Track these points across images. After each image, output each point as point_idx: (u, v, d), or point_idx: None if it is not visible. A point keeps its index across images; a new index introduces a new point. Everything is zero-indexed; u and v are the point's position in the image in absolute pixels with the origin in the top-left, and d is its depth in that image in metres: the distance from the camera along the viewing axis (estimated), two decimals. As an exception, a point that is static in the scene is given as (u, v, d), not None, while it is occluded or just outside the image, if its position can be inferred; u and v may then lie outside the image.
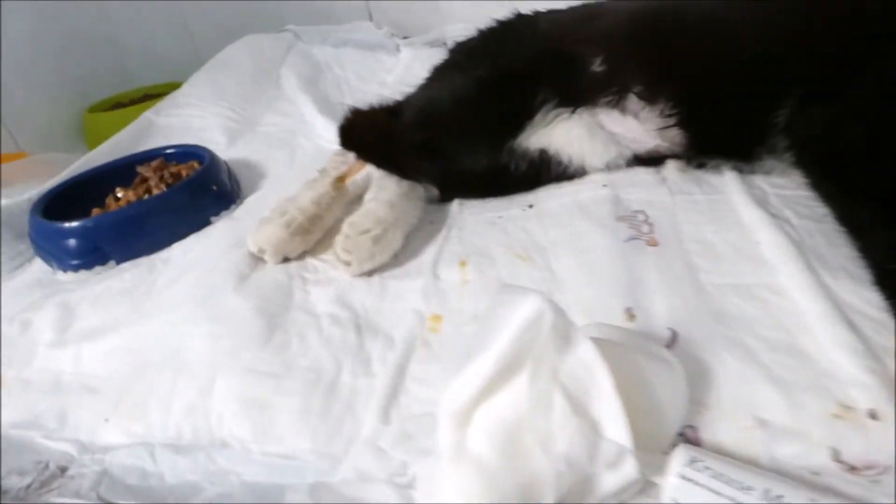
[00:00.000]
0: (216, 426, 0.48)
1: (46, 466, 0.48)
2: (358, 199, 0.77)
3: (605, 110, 0.72)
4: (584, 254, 0.58)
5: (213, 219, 0.82)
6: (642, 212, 0.63)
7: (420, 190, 0.74)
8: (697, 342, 0.45)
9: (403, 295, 0.59)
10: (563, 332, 0.35)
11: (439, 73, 0.81)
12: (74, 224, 0.75)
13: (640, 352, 0.39)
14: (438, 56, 1.20)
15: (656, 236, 0.58)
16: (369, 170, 0.77)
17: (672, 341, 0.45)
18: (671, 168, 0.71)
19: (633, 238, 0.58)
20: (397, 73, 1.21)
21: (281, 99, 1.18)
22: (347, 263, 0.62)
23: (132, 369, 0.55)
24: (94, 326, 0.62)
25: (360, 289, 0.61)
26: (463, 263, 0.62)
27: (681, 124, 0.67)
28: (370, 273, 0.63)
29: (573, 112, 0.72)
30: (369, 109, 0.82)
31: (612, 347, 0.36)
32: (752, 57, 0.63)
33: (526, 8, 1.17)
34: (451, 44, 1.26)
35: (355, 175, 0.77)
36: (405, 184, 0.73)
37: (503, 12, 1.21)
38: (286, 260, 0.68)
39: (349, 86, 1.21)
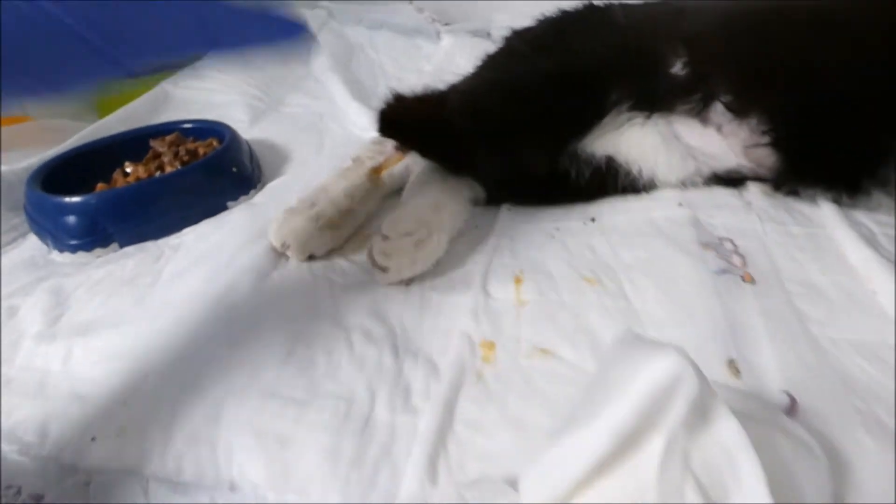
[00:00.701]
0: (224, 463, 0.39)
1: (18, 492, 0.40)
2: (393, 194, 0.69)
3: (684, 119, 0.63)
4: (668, 283, 0.49)
5: (230, 204, 0.74)
6: (729, 240, 0.55)
7: (466, 190, 0.66)
8: (822, 413, 0.37)
9: (448, 312, 0.51)
10: (701, 404, 0.26)
11: (495, 61, 0.72)
12: (75, 199, 0.67)
13: (777, 430, 0.30)
14: (482, 46, 1.12)
15: (751, 271, 0.50)
16: (409, 162, 0.69)
17: (790, 410, 0.37)
18: (754, 192, 0.62)
19: (724, 271, 0.50)
20: (437, 62, 1.12)
21: (308, 78, 1.10)
22: (384, 269, 0.54)
23: (129, 377, 0.47)
24: (89, 320, 0.54)
25: (397, 300, 0.53)
26: (518, 280, 0.53)
27: (775, 144, 0.58)
28: (408, 282, 0.55)
29: (648, 117, 0.63)
30: (414, 96, 0.74)
31: (746, 422, 0.28)
32: (875, 71, 0.54)
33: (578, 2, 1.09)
34: (496, 34, 1.19)
35: (392, 167, 0.69)
36: (450, 181, 0.64)
37: (551, 5, 1.12)
38: (311, 258, 0.60)
39: (384, 71, 1.12)
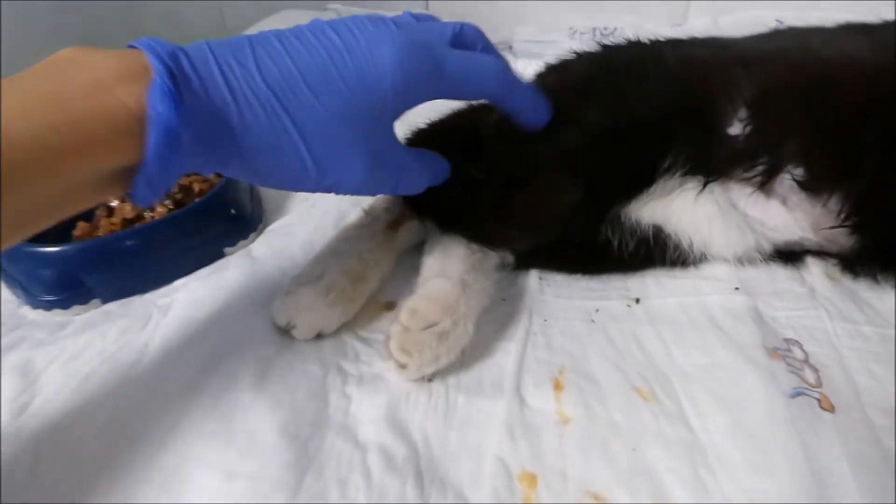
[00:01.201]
0: None
1: None
2: (410, 251, 0.61)
3: (741, 187, 0.56)
4: (736, 406, 0.43)
5: (227, 250, 0.66)
6: (797, 343, 0.48)
7: (493, 257, 0.59)
8: None
9: (478, 423, 0.44)
10: None
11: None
12: (50, 249, 0.59)
13: None
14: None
15: (827, 393, 0.43)
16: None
17: None
18: (816, 273, 0.55)
19: (799, 392, 0.43)
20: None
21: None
22: (403, 367, 0.47)
23: (107, 491, 0.40)
24: (62, 411, 0.47)
25: (419, 401, 0.46)
26: (557, 385, 0.46)
27: (856, 227, 0.51)
28: (430, 377, 0.48)
29: (703, 184, 0.56)
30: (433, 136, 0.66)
31: None
32: None
33: (606, 16, 1.00)
34: (519, 48, 1.10)
35: (413, 220, 0.62)
36: (472, 246, 0.57)
37: (578, 18, 1.03)
38: (319, 335, 0.53)
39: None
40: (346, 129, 0.38)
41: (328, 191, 0.41)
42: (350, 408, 0.46)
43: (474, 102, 0.70)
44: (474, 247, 0.56)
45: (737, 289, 0.54)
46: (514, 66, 1.02)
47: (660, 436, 0.41)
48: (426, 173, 0.47)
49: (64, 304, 0.59)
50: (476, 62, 0.44)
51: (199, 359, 0.50)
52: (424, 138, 0.67)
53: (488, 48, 0.47)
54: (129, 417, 0.45)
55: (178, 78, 0.34)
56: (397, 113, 0.42)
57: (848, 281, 0.55)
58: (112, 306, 0.59)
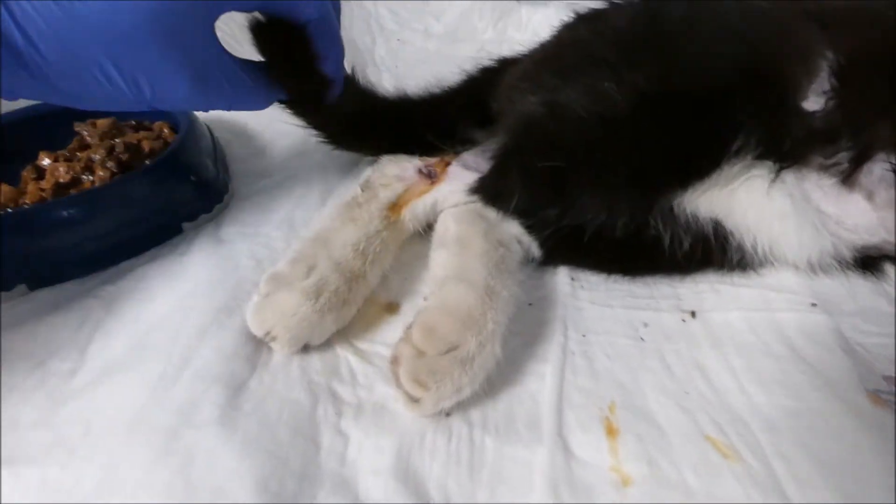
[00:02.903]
0: None
1: None
2: (417, 237, 0.50)
3: (819, 177, 0.46)
4: (842, 474, 0.34)
5: (185, 225, 0.54)
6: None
7: (515, 249, 0.48)
8: None
9: (513, 478, 0.35)
10: None
11: (563, 64, 0.52)
12: (-40, 224, 0.46)
13: None
14: (506, 8, 0.91)
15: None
16: (439, 195, 0.50)
17: None
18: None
19: (916, 453, 0.35)
20: (448, 21, 0.92)
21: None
22: (416, 401, 0.37)
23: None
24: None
25: (436, 445, 0.37)
26: (610, 428, 0.37)
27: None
28: (448, 411, 0.38)
29: (775, 171, 0.46)
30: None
31: None
32: None
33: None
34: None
35: (419, 200, 0.50)
36: (492, 238, 0.46)
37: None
38: (305, 347, 0.42)
39: (382, 28, 0.90)
40: (153, 37, 0.36)
41: (151, 108, 0.39)
42: (348, 452, 0.36)
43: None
44: (488, 231, 0.46)
45: (814, 305, 0.45)
46: (519, 12, 0.90)
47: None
48: (261, 88, 0.45)
49: (-20, 293, 0.47)
50: None
51: (149, 379, 0.39)
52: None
53: None
54: (53, 459, 0.34)
55: None
56: (212, 16, 0.39)
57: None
58: (42, 294, 0.47)
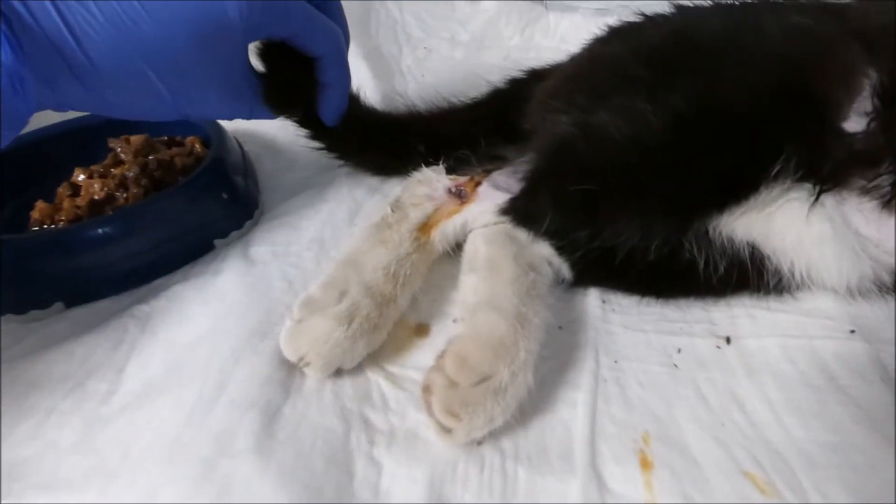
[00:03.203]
0: None
1: None
2: (445, 257, 0.50)
3: (859, 200, 0.45)
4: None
5: (217, 242, 0.55)
6: (940, 412, 0.38)
7: (546, 272, 0.48)
8: None
9: (544, 510, 0.34)
10: None
11: (595, 83, 0.52)
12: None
13: None
14: (534, 15, 0.90)
15: None
16: (469, 216, 0.50)
17: None
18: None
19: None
20: (474, 28, 0.91)
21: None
22: (448, 431, 0.37)
23: None
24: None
25: (468, 476, 0.37)
26: (644, 461, 0.37)
27: None
28: (480, 440, 0.38)
29: (815, 194, 0.45)
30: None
31: None
32: None
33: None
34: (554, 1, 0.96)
35: (449, 220, 0.50)
36: (523, 262, 0.46)
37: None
38: (337, 371, 0.42)
39: (408, 36, 0.90)
40: (199, 55, 0.40)
41: (184, 117, 0.45)
42: (381, 482, 0.36)
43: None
44: (518, 255, 0.45)
45: (852, 332, 0.44)
46: (546, 18, 0.89)
47: (790, 551, 0.32)
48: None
49: (18, 308, 0.48)
50: (322, 20, 0.48)
51: (186, 403, 0.39)
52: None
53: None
54: (92, 485, 0.35)
55: (13, 20, 0.34)
56: (249, 40, 0.44)
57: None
58: (78, 313, 0.48)
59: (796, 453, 0.36)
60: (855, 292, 0.46)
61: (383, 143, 0.60)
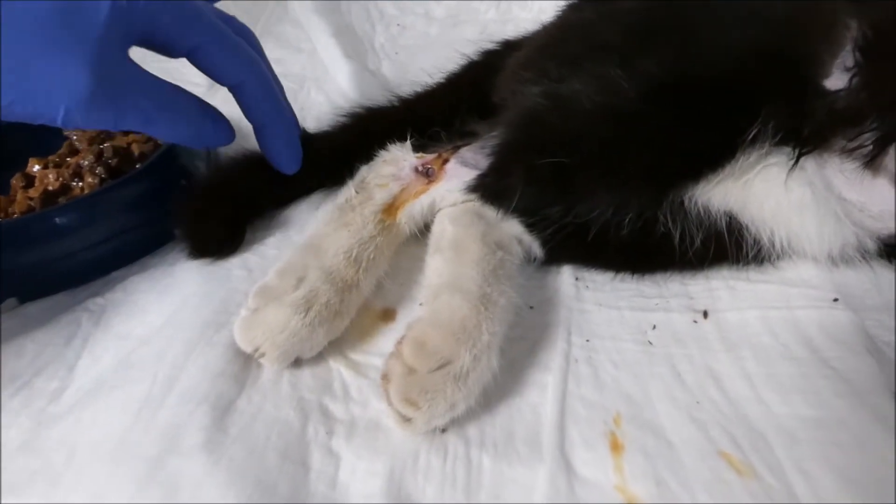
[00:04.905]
0: None
1: None
2: (413, 239, 0.48)
3: (841, 161, 0.43)
4: (864, 489, 0.31)
5: (177, 231, 0.52)
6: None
7: (515, 250, 0.46)
8: None
9: (510, 499, 0.33)
10: None
11: (567, 50, 0.49)
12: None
13: None
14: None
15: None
16: (436, 195, 0.48)
17: None
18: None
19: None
20: (449, 3, 0.88)
21: (285, 20, 0.84)
22: (407, 420, 0.35)
23: None
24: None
25: (430, 466, 0.35)
26: (615, 444, 0.35)
27: None
28: (444, 428, 0.36)
29: (794, 158, 0.43)
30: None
31: None
32: None
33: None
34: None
35: (415, 201, 0.48)
36: (490, 241, 0.44)
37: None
38: (297, 360, 0.40)
39: (382, 14, 0.87)
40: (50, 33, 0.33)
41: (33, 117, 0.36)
42: (339, 474, 0.34)
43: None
44: (486, 233, 0.43)
45: (836, 300, 0.42)
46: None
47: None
48: (182, 118, 0.42)
49: (-31, 305, 0.46)
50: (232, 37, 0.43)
51: (135, 400, 0.37)
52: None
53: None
54: (35, 490, 0.33)
55: None
56: (124, 33, 0.37)
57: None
58: (32, 308, 0.46)
59: (776, 431, 0.34)
60: (838, 259, 0.44)
61: (360, 155, 0.52)
